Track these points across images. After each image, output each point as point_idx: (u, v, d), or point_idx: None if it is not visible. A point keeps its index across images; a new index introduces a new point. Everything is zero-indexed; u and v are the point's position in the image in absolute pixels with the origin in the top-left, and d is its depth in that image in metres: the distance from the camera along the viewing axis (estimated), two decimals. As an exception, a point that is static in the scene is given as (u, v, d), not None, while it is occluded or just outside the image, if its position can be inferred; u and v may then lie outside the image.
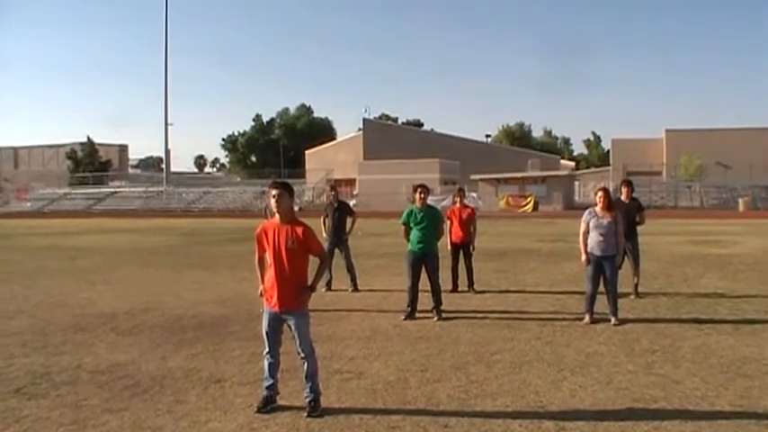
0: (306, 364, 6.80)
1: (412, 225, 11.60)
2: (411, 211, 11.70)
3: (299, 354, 6.83)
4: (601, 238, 10.82)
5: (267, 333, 6.88)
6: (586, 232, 10.99)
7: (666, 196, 66.45)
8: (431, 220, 11.57)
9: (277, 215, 6.86)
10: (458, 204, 14.59)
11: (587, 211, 11.20)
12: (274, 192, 6.76)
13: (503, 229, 34.65)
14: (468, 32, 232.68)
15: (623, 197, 13.25)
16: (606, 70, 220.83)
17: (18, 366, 8.67)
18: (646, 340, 9.71)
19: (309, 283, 6.92)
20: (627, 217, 12.36)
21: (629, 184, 13.54)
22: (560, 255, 21.70)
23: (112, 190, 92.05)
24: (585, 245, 10.99)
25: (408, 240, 11.73)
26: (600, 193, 11.09)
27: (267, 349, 6.90)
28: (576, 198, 71.82)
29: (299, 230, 6.75)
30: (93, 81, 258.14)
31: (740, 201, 59.86)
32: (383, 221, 36.65)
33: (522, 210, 60.64)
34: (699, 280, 15.78)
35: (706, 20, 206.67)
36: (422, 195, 11.66)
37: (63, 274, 18.49)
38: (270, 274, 6.85)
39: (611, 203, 11.11)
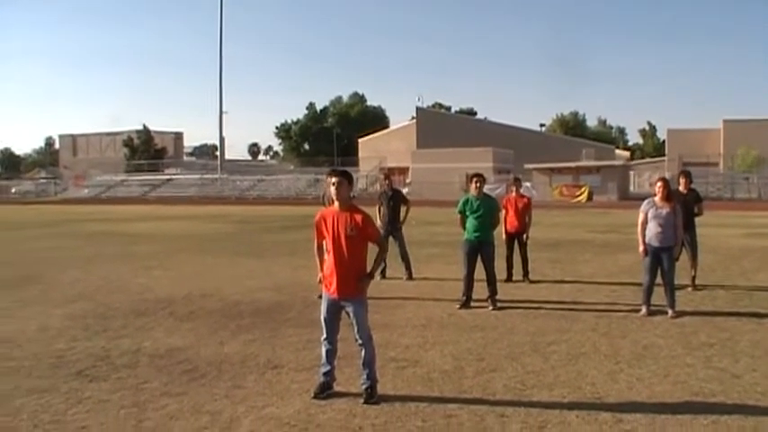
0: (363, 351, 6.84)
1: (468, 214, 11.58)
2: (467, 200, 11.68)
3: (356, 341, 6.87)
4: (659, 229, 10.69)
5: (325, 319, 6.93)
6: (645, 222, 10.87)
7: (723, 188, 65.31)
8: (487, 209, 11.53)
9: (336, 202, 6.91)
10: (514, 194, 14.55)
11: (646, 201, 11.08)
12: (334, 179, 6.81)
13: (557, 220, 34.36)
14: (523, 21, 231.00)
15: (681, 188, 13.05)
16: (663, 60, 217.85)
17: (80, 349, 8.87)
18: (703, 333, 9.58)
19: (368, 270, 6.97)
20: (685, 208, 12.16)
21: (687, 174, 13.34)
22: (615, 246, 21.46)
23: (168, 177, 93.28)
24: (643, 235, 10.87)
25: (464, 229, 11.72)
26: (659, 184, 10.96)
27: (325, 335, 6.96)
28: (631, 188, 70.94)
29: (359, 218, 6.79)
30: (150, 70, 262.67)
31: (800, 193, 58.66)
32: (436, 210, 36.62)
33: (577, 200, 60.10)
34: (757, 273, 15.50)
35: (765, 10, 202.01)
36: (477, 184, 11.63)
37: (121, 259, 18.81)
38: (329, 261, 6.91)
39: (670, 194, 10.98)
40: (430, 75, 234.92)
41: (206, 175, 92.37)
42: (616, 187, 62.04)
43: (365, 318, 6.89)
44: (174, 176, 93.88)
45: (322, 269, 7.09)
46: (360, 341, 6.84)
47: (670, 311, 10.70)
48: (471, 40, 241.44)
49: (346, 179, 6.88)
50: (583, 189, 61.44)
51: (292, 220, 35.81)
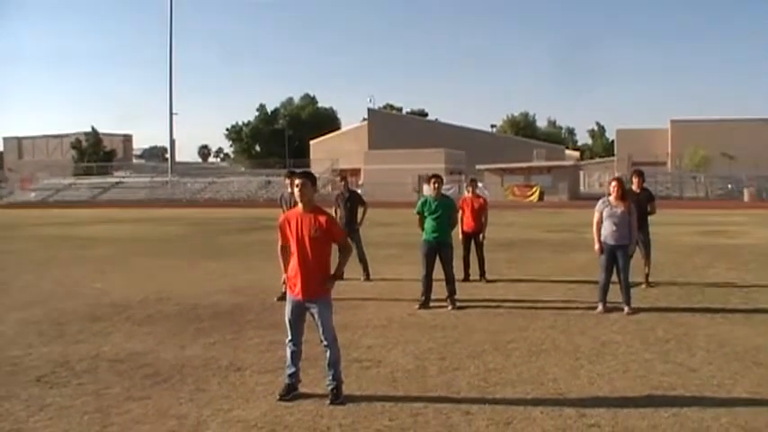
0: (328, 352, 6.83)
1: (426, 214, 11.63)
2: (425, 201, 11.74)
3: (321, 342, 6.87)
4: (614, 228, 10.86)
5: (290, 321, 6.92)
6: (600, 221, 11.04)
7: (672, 187, 66.43)
8: (445, 210, 11.60)
9: (300, 204, 6.90)
10: (470, 194, 14.66)
11: (601, 201, 11.25)
12: (298, 181, 6.81)
13: (510, 219, 34.62)
14: (473, 22, 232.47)
15: (634, 187, 13.23)
16: (610, 61, 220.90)
17: (37, 355, 8.71)
18: (660, 329, 9.76)
19: (332, 271, 6.97)
20: (638, 207, 12.31)
21: (640, 174, 13.54)
22: (569, 245, 21.74)
23: (117, 180, 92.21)
24: (599, 234, 11.04)
25: (423, 230, 11.76)
26: (614, 183, 11.16)
27: (290, 337, 6.94)
28: (582, 188, 71.76)
29: (323, 219, 6.79)
30: (97, 71, 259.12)
31: (745, 191, 59.84)
32: (390, 211, 36.67)
33: (528, 200, 60.67)
34: (708, 270, 15.83)
35: (711, 12, 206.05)
36: (436, 185, 11.69)
37: (74, 263, 18.54)
38: (293, 262, 6.87)
39: (624, 193, 11.16)
40: (380, 76, 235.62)
41: (156, 177, 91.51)
42: (567, 187, 62.78)
43: (330, 319, 6.89)
44: (123, 179, 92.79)
45: (286, 271, 7.06)
46: (325, 342, 6.83)
47: (626, 308, 10.88)
48: (421, 42, 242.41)
49: (309, 180, 6.88)
50: (534, 189, 62.03)
51: (245, 222, 35.69)
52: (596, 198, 11.48)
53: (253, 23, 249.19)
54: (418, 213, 11.82)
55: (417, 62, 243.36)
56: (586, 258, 17.45)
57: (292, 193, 12.51)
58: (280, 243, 7.13)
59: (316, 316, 6.82)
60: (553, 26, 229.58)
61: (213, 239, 26.55)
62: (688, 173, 71.62)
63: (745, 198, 58.42)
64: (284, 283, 7.10)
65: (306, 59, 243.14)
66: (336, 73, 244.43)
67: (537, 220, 35.90)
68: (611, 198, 11.06)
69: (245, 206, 60.37)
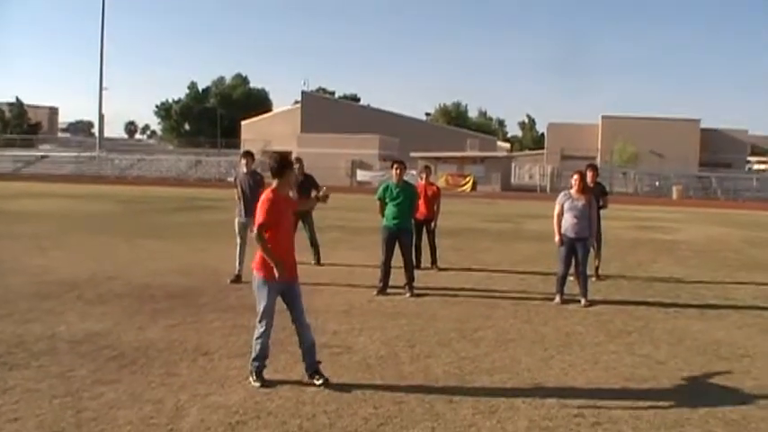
0: (308, 335, 6.78)
1: (387, 201, 11.55)
2: (387, 187, 11.66)
3: (302, 324, 6.77)
4: (575, 221, 10.96)
5: (271, 308, 6.75)
6: (561, 214, 11.13)
7: (602, 181, 67.15)
8: (407, 197, 11.54)
9: (276, 186, 6.75)
10: (423, 181, 14.59)
11: (562, 194, 11.36)
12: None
13: (447, 208, 34.36)
14: (404, 8, 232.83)
15: (588, 181, 13.29)
16: (543, 54, 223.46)
17: (-13, 334, 8.36)
18: (619, 321, 9.91)
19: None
20: (591, 201, 12.49)
21: (594, 168, 13.66)
22: (511, 235, 22.03)
23: (42, 154, 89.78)
24: (559, 226, 11.13)
25: (383, 216, 11.68)
26: (575, 177, 11.28)
27: (271, 326, 6.78)
28: (513, 180, 72.38)
29: (293, 200, 6.71)
30: (24, 40, 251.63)
31: (674, 189, 61.03)
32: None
33: (461, 189, 60.87)
34: (652, 264, 16.15)
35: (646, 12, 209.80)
36: (398, 171, 11.62)
37: (9, 239, 17.86)
38: (282, 245, 6.71)
39: (586, 187, 11.27)
40: (313, 59, 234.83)
41: (83, 152, 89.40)
42: (500, 178, 63.11)
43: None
44: (49, 153, 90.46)
45: (276, 255, 6.63)
46: (307, 321, 6.76)
47: (583, 300, 11.00)
48: (354, 27, 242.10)
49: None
50: (468, 179, 62.25)
51: (179, 202, 35.05)
52: (528, 190, 11.65)
53: None
54: (379, 200, 11.72)
55: (350, 46, 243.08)
56: (531, 249, 17.73)
57: (247, 173, 12.41)
58: (264, 225, 6.74)
59: (297, 298, 6.69)
60: (485, 14, 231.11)
61: (149, 218, 25.94)
62: (618, 168, 72.84)
63: (674, 196, 59.55)
64: (276, 266, 6.75)
65: (239, 39, 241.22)
66: (269, 54, 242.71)
67: (473, 209, 35.94)
68: (573, 191, 11.16)
69: (175, 185, 59.45)
